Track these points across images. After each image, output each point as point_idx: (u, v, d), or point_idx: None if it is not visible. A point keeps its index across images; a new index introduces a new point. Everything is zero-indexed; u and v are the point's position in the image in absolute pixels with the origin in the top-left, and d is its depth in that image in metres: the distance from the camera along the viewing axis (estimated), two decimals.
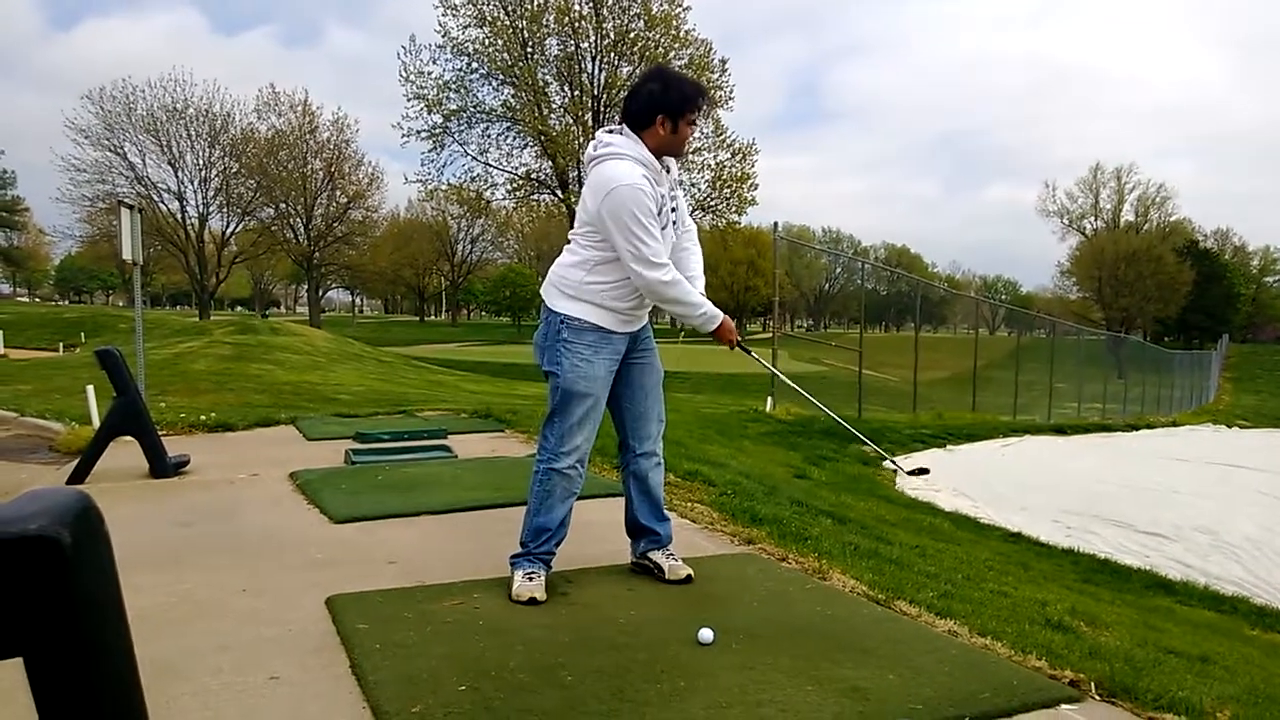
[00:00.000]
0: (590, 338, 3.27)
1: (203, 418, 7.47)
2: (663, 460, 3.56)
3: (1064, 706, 2.46)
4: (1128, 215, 72.97)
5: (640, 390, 3.45)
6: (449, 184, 30.50)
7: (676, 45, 28.32)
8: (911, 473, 3.26)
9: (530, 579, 3.19)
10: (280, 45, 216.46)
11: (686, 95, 3.21)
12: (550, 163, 29.34)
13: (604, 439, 5.47)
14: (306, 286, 56.95)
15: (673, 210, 3.34)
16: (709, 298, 3.35)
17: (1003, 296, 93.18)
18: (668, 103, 3.17)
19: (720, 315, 3.34)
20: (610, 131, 3.28)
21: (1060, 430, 17.47)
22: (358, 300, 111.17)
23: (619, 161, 3.16)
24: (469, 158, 29.86)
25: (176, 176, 43.98)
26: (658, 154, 3.22)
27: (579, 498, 3.40)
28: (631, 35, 28.28)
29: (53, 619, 0.88)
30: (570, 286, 3.29)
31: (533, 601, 3.09)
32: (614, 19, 28.37)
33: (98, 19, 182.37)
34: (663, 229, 3.22)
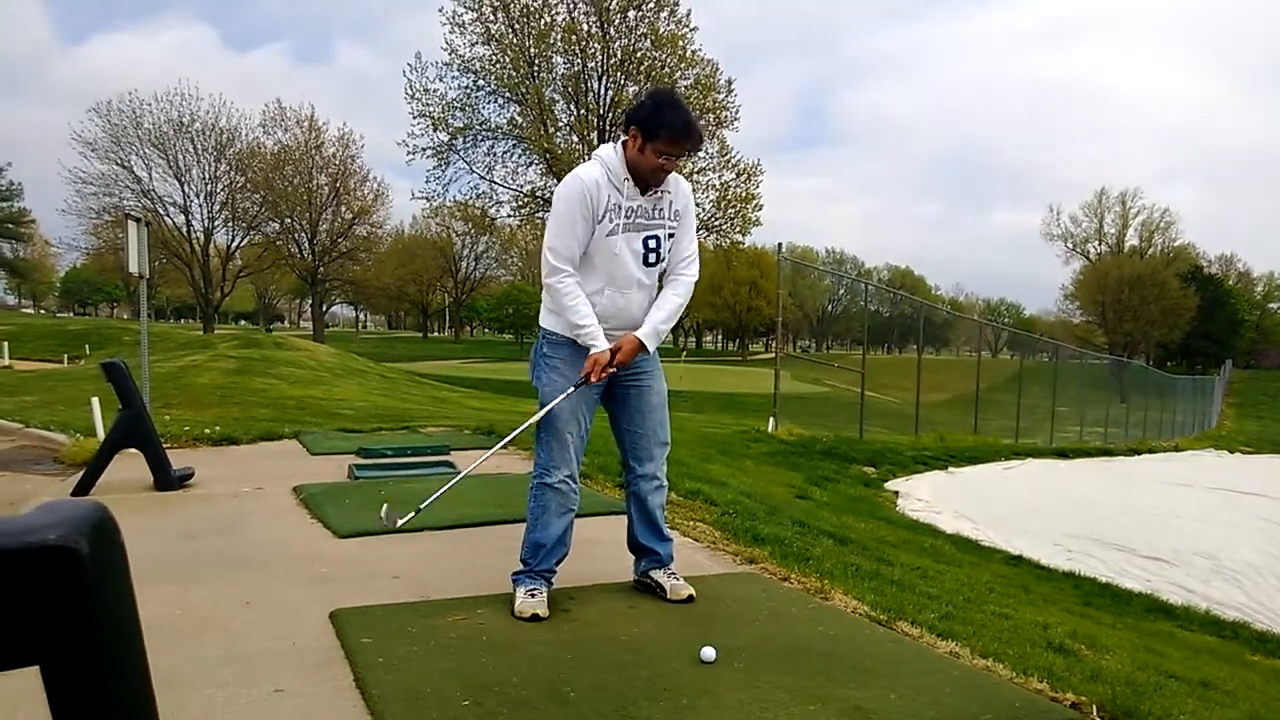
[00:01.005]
0: (566, 352, 3.31)
1: (207, 431, 7.49)
2: (665, 483, 3.55)
3: None
4: (1132, 240, 73.37)
5: (638, 413, 3.45)
6: (454, 201, 30.68)
7: (683, 65, 28.52)
8: None
9: (532, 595, 3.20)
10: (291, 61, 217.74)
11: (664, 122, 3.13)
12: (555, 181, 29.46)
13: (606, 456, 5.48)
14: (310, 301, 57.11)
15: (647, 235, 3.27)
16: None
17: (1005, 319, 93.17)
18: (644, 119, 3.15)
19: (601, 346, 3.20)
20: None
21: (1062, 454, 17.45)
22: (361, 316, 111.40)
23: (588, 162, 3.25)
24: (474, 175, 30.04)
25: (183, 190, 44.35)
26: (635, 169, 3.21)
27: (581, 515, 3.41)
28: (638, 55, 28.51)
29: (70, 628, 0.89)
30: (550, 300, 3.34)
31: (535, 618, 3.10)
32: (621, 38, 28.61)
33: (108, 34, 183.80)
34: (607, 235, 3.20)
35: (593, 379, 3.23)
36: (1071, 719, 2.52)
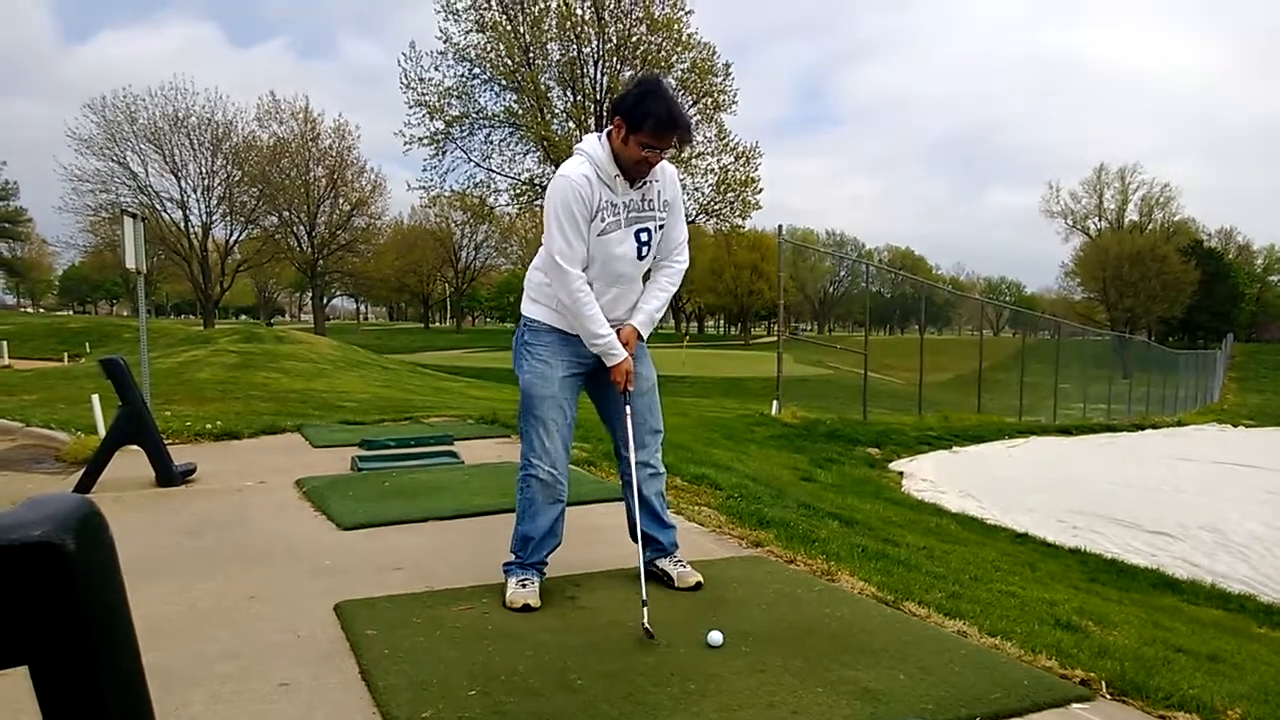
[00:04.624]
0: (548, 339, 3.28)
1: (208, 426, 7.48)
2: (661, 469, 3.50)
3: (1075, 706, 2.45)
4: (1132, 215, 73.09)
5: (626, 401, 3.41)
6: (452, 190, 30.56)
7: (679, 49, 28.34)
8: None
9: (523, 586, 3.18)
10: (296, 56, 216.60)
11: (648, 113, 3.00)
12: (553, 168, 29.31)
13: (608, 443, 5.45)
14: (311, 294, 57.04)
15: (639, 228, 3.21)
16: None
17: (1007, 298, 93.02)
18: (628, 110, 3.03)
19: (621, 355, 3.20)
20: None
21: (1065, 431, 17.45)
22: (362, 307, 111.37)
23: (573, 157, 3.18)
24: (472, 164, 29.92)
25: (179, 185, 44.24)
26: (620, 160, 3.11)
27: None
28: (634, 39, 28.31)
29: (57, 626, 0.87)
30: (532, 288, 3.33)
31: (526, 609, 3.08)
32: (616, 23, 28.40)
33: (113, 31, 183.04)
34: (600, 235, 3.13)
35: (630, 388, 3.27)
36: (1081, 695, 2.51)
